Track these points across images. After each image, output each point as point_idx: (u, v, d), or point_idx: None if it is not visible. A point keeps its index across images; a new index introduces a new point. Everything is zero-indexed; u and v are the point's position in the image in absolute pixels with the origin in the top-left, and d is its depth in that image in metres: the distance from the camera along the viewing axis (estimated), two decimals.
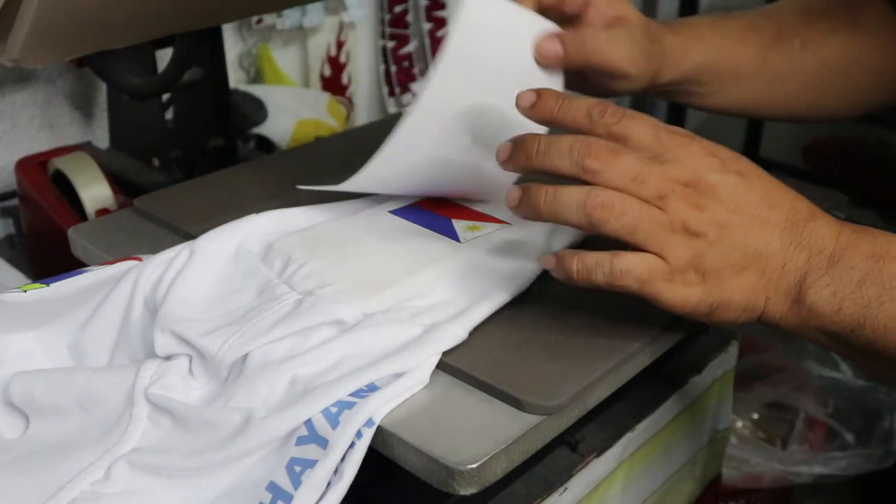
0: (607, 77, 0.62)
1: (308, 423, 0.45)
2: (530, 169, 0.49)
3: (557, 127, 0.51)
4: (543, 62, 0.59)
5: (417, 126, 0.56)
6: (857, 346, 0.47)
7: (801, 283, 0.48)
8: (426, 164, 0.60)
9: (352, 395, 0.46)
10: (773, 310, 0.49)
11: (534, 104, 0.50)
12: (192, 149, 0.93)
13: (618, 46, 0.60)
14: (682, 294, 0.48)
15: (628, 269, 0.47)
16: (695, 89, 0.67)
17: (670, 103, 1.73)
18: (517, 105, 0.51)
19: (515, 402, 0.47)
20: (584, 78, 0.63)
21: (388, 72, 1.40)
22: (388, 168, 0.58)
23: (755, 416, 1.14)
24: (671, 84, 0.66)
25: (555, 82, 0.60)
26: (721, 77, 0.67)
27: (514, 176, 0.59)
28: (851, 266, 0.47)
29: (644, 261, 0.47)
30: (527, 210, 0.49)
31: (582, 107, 0.49)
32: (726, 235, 0.47)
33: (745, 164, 0.50)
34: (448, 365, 0.50)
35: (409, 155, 0.58)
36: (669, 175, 0.47)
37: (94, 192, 0.85)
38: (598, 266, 0.47)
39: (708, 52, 0.66)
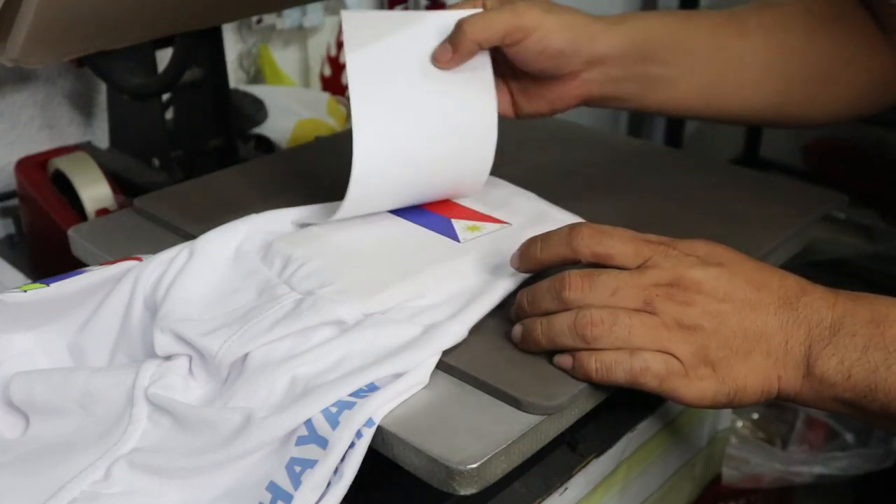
0: (540, 59, 0.62)
1: (308, 423, 0.45)
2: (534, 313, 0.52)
3: (547, 268, 0.53)
4: (441, 66, 0.61)
5: (369, 146, 0.58)
6: (875, 411, 0.47)
7: (808, 355, 0.48)
8: (400, 176, 0.61)
9: (352, 395, 0.46)
10: (788, 387, 0.49)
11: (519, 263, 0.54)
12: (192, 149, 0.93)
13: (513, 15, 0.60)
14: (698, 388, 0.48)
15: (646, 365, 0.48)
16: (656, 72, 0.66)
17: (668, 119, 1.72)
18: (511, 264, 0.54)
19: (515, 402, 0.47)
20: (516, 65, 0.63)
21: None
22: (366, 190, 0.60)
23: (755, 416, 1.14)
24: (623, 62, 0.64)
25: (482, 73, 0.62)
26: (672, 56, 0.66)
27: (486, 162, 0.63)
28: (853, 333, 0.47)
29: (660, 357, 0.48)
30: (529, 344, 0.51)
31: (560, 238, 0.51)
32: (722, 323, 0.48)
33: (724, 254, 0.51)
34: (448, 365, 0.50)
35: (380, 171, 0.60)
36: (650, 281, 0.49)
37: (94, 192, 0.85)
38: (616, 364, 0.48)
39: (650, 27, 0.65)
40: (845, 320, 0.48)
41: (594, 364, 0.48)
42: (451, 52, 0.61)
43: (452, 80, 0.62)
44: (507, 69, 0.66)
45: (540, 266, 0.53)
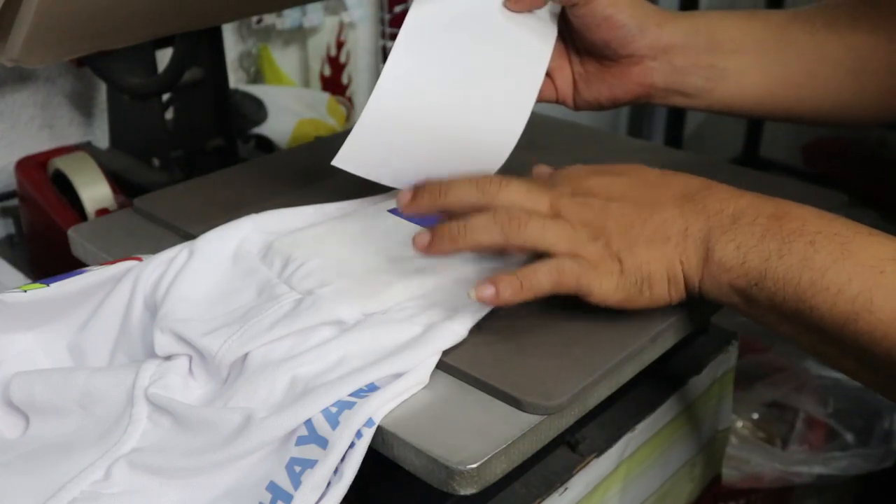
0: (604, 28, 0.61)
1: (308, 423, 0.45)
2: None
3: (449, 212, 0.53)
4: (508, 5, 0.61)
5: (389, 87, 0.58)
6: (762, 302, 0.49)
7: (707, 240, 0.50)
8: (414, 129, 0.59)
9: (352, 395, 0.46)
10: (691, 274, 0.51)
11: (410, 203, 0.53)
12: (192, 149, 0.93)
13: None
14: (609, 282, 0.51)
15: (563, 267, 0.50)
16: (724, 64, 0.64)
17: (668, 119, 1.71)
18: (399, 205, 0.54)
19: (515, 402, 0.47)
20: (579, 35, 0.63)
21: None
22: (375, 133, 0.58)
23: (755, 416, 1.14)
24: (687, 51, 0.63)
25: (548, 34, 0.62)
26: (739, 48, 0.64)
27: (513, 135, 0.61)
28: (752, 223, 0.49)
29: (572, 258, 0.50)
30: (443, 244, 0.51)
31: (468, 184, 0.52)
32: (622, 217, 0.51)
33: (626, 166, 0.54)
34: (448, 365, 0.50)
35: (394, 117, 0.58)
36: (556, 193, 0.52)
37: (94, 192, 0.85)
38: (537, 272, 0.50)
39: (716, 19, 0.64)
40: (748, 211, 0.50)
41: (517, 280, 0.50)
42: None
43: (507, 42, 0.59)
44: (572, 48, 0.65)
45: (440, 209, 0.53)
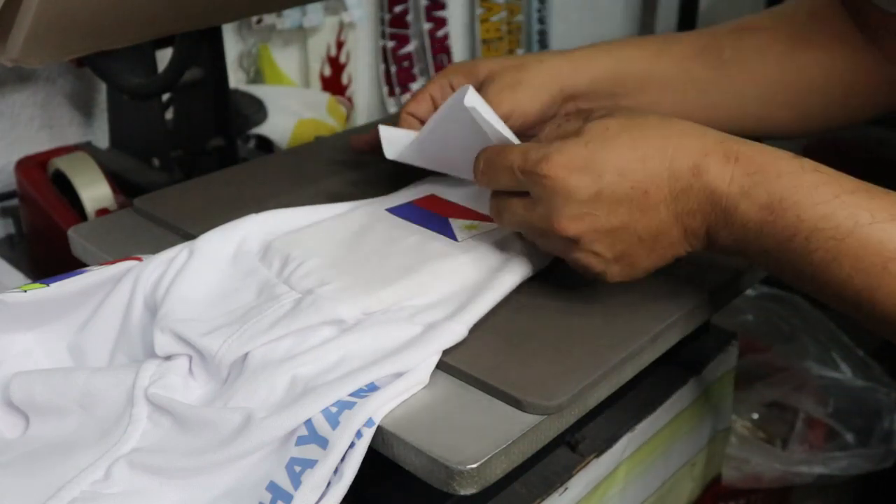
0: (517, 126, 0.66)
1: (308, 423, 0.45)
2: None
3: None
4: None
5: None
6: (773, 274, 0.52)
7: (707, 235, 0.52)
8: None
9: (352, 395, 0.46)
10: (697, 250, 0.53)
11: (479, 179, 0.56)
12: (192, 149, 0.93)
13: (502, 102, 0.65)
14: (623, 277, 0.54)
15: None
16: (625, 104, 0.69)
17: None
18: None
19: (515, 402, 0.47)
20: None
21: (388, 72, 1.40)
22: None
23: (755, 416, 1.14)
24: (590, 97, 0.68)
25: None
26: (642, 88, 0.69)
27: None
28: (746, 220, 0.49)
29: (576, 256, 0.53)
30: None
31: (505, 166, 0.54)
32: (619, 242, 0.52)
33: (603, 159, 0.51)
34: (448, 365, 0.50)
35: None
36: (539, 216, 0.52)
37: (94, 192, 0.85)
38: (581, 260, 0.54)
39: (618, 63, 0.68)
40: (740, 205, 0.49)
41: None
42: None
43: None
44: None
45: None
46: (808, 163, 0.50)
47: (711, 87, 0.70)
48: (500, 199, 0.55)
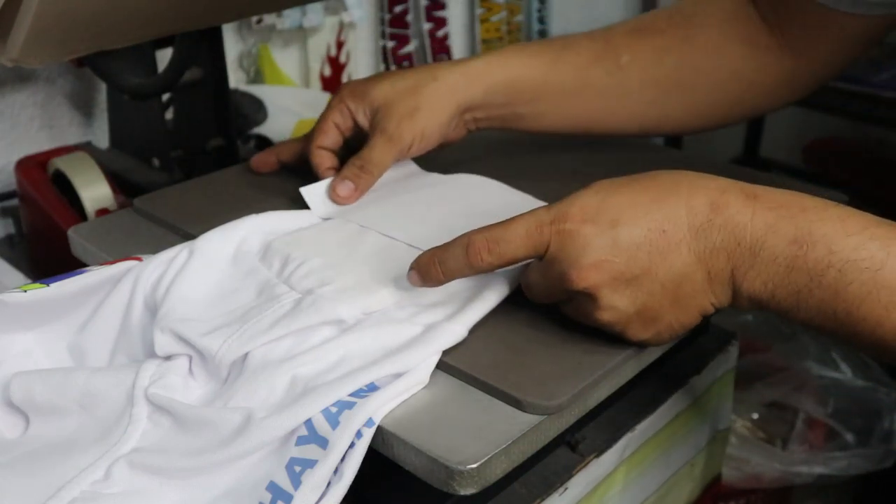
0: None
1: (308, 423, 0.45)
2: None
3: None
4: (346, 201, 0.66)
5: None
6: (802, 321, 0.48)
7: (733, 278, 0.48)
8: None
9: (352, 395, 0.46)
10: (722, 304, 0.50)
11: (422, 282, 0.53)
12: (192, 149, 0.93)
13: (379, 148, 0.66)
14: (643, 338, 0.51)
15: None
16: (521, 111, 0.70)
17: None
18: (410, 281, 0.54)
19: (515, 402, 0.47)
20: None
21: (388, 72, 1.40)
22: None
23: (755, 416, 1.14)
24: (486, 108, 0.69)
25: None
26: (538, 96, 0.69)
27: None
28: (775, 256, 0.46)
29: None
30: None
31: (458, 257, 0.52)
32: (640, 292, 0.49)
33: (616, 203, 0.49)
34: (448, 365, 0.50)
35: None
36: (558, 278, 0.49)
37: (94, 192, 0.85)
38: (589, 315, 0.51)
39: (513, 72, 0.69)
40: (767, 240, 0.47)
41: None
42: (355, 190, 0.66)
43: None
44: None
45: (442, 283, 0.53)
46: (829, 200, 0.48)
47: (610, 92, 0.70)
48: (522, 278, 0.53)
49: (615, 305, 0.49)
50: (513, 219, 0.51)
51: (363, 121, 0.69)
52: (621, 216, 0.48)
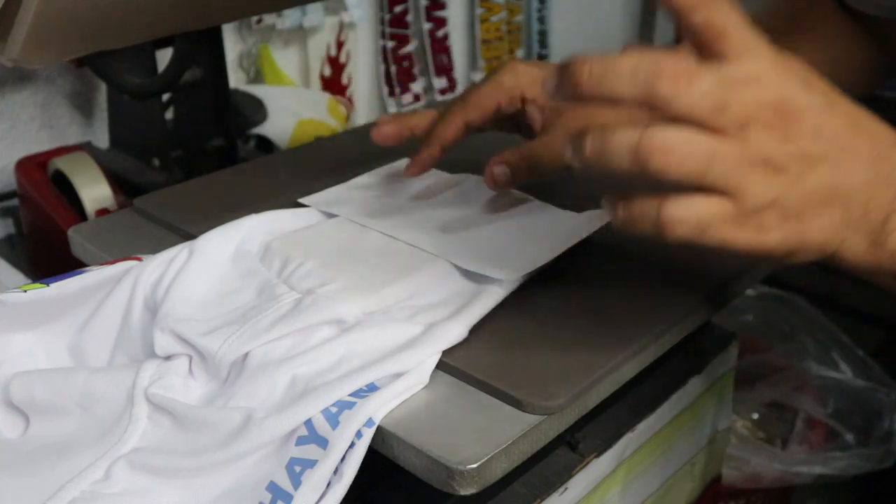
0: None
1: (308, 423, 0.45)
2: (579, 98, 0.41)
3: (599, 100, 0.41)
4: (495, 187, 0.60)
5: None
6: None
7: (885, 223, 0.43)
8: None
9: (352, 395, 0.46)
10: (848, 251, 0.44)
11: (559, 85, 0.41)
12: (192, 149, 0.93)
13: (558, 152, 0.57)
14: (756, 240, 0.42)
15: (680, 218, 0.40)
16: None
17: None
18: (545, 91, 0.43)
19: (515, 402, 0.47)
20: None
21: (388, 72, 1.40)
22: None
23: (755, 416, 1.14)
24: None
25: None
26: None
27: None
28: None
29: (703, 207, 0.40)
30: (550, 145, 0.46)
31: (624, 71, 0.40)
32: (811, 170, 0.41)
33: (822, 82, 0.43)
34: (448, 365, 0.50)
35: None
36: (755, 97, 0.40)
37: (94, 192, 0.85)
38: (643, 216, 0.41)
39: None
40: None
41: (620, 212, 0.42)
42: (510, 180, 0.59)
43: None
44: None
45: (589, 97, 0.40)
46: None
47: None
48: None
49: (766, 155, 0.40)
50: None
51: (534, 116, 0.60)
52: (829, 91, 0.42)
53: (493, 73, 0.61)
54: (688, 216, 0.40)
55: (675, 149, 0.39)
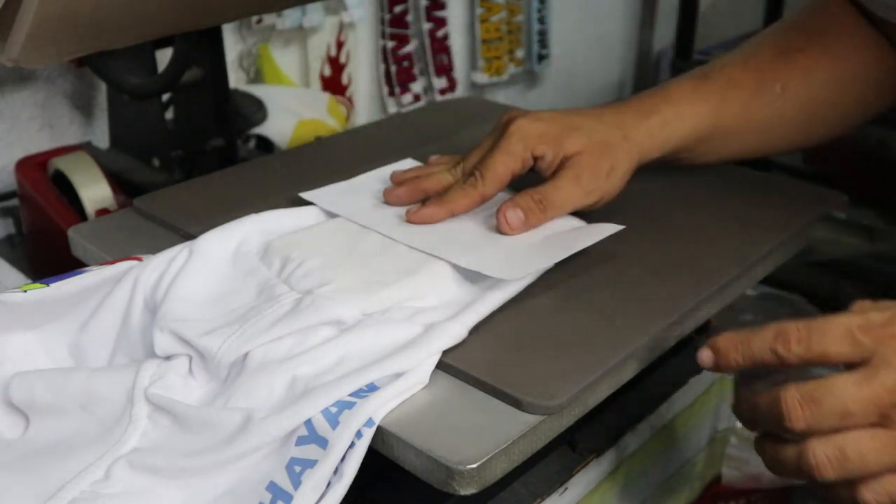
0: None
1: (308, 423, 0.45)
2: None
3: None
4: (512, 231, 0.60)
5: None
6: None
7: None
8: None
9: (352, 395, 0.46)
10: None
11: (713, 363, 0.49)
12: (192, 149, 0.93)
13: (567, 193, 0.61)
14: None
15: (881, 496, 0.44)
16: (685, 155, 0.68)
17: None
18: (701, 361, 0.50)
19: (515, 402, 0.47)
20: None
21: (388, 72, 1.40)
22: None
23: None
24: (656, 159, 0.66)
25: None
26: (708, 139, 0.68)
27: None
28: None
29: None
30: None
31: (763, 343, 0.47)
32: None
33: None
34: (448, 365, 0.50)
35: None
36: (883, 386, 0.43)
37: (94, 192, 0.85)
38: (838, 498, 0.45)
39: (688, 125, 0.66)
40: None
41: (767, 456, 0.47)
42: (524, 223, 0.61)
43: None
44: None
45: (736, 370, 0.49)
46: None
47: (771, 123, 0.69)
48: (818, 386, 0.44)
49: None
50: (834, 315, 0.46)
51: (549, 164, 0.62)
52: None
53: (502, 139, 0.62)
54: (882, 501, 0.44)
55: (828, 463, 0.44)
